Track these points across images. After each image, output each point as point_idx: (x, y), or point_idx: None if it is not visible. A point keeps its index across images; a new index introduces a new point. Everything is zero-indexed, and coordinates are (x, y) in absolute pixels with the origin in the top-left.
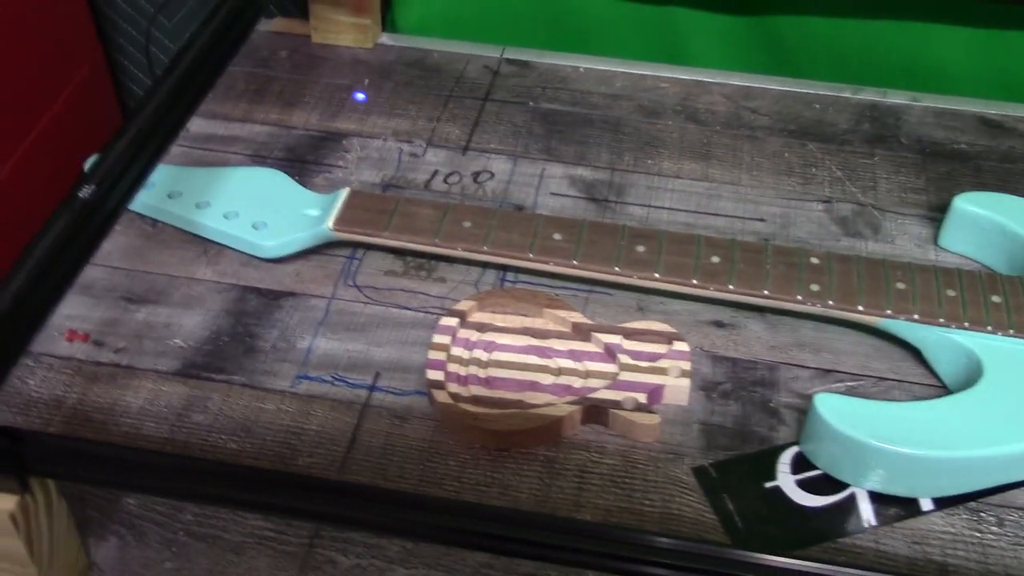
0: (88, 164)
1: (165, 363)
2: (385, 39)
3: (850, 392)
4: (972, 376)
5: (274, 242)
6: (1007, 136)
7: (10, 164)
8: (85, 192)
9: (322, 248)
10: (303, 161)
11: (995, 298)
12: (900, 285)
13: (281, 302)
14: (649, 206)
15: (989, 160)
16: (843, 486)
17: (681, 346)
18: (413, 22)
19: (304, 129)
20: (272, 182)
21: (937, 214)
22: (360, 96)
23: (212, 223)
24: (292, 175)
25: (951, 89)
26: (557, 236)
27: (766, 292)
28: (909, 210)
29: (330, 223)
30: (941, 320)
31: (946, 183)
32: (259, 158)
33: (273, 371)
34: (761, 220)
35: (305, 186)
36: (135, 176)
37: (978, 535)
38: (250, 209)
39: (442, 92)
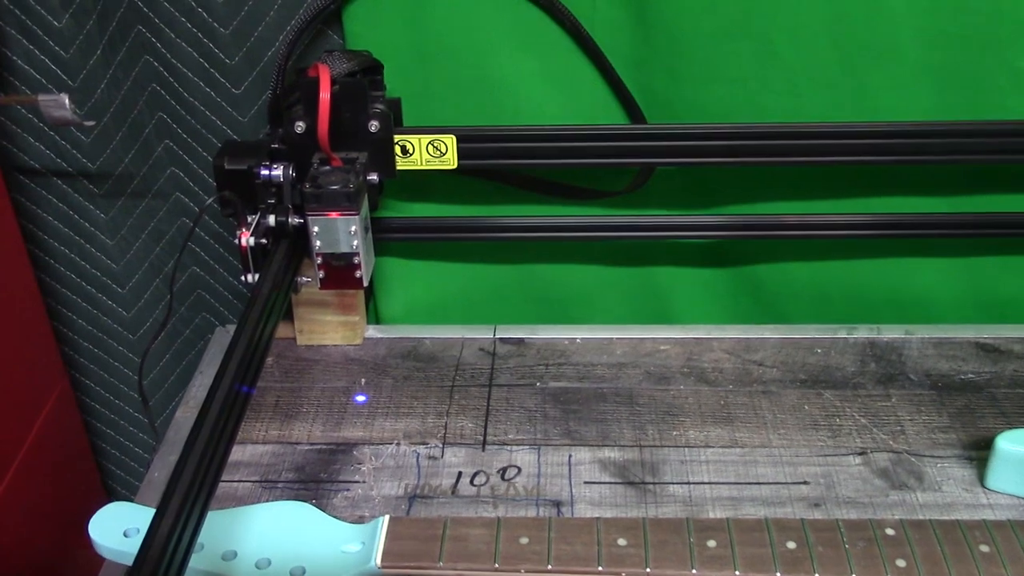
0: (93, 529)
1: None
2: (373, 332)
3: None
4: None
5: None
6: (1007, 360)
7: None
8: None
9: None
10: (317, 481)
11: None
12: (984, 548)
13: None
14: (688, 483)
15: (1000, 387)
16: None
17: None
18: (398, 311)
19: (309, 443)
20: (300, 517)
21: (972, 452)
22: (361, 398)
23: None
24: (308, 498)
25: (938, 316)
26: (622, 541)
27: None
28: (943, 451)
29: (377, 560)
30: None
31: (969, 417)
32: (268, 483)
33: None
34: (805, 483)
35: (324, 509)
36: (185, 551)
37: None
38: (283, 554)
39: (444, 383)
